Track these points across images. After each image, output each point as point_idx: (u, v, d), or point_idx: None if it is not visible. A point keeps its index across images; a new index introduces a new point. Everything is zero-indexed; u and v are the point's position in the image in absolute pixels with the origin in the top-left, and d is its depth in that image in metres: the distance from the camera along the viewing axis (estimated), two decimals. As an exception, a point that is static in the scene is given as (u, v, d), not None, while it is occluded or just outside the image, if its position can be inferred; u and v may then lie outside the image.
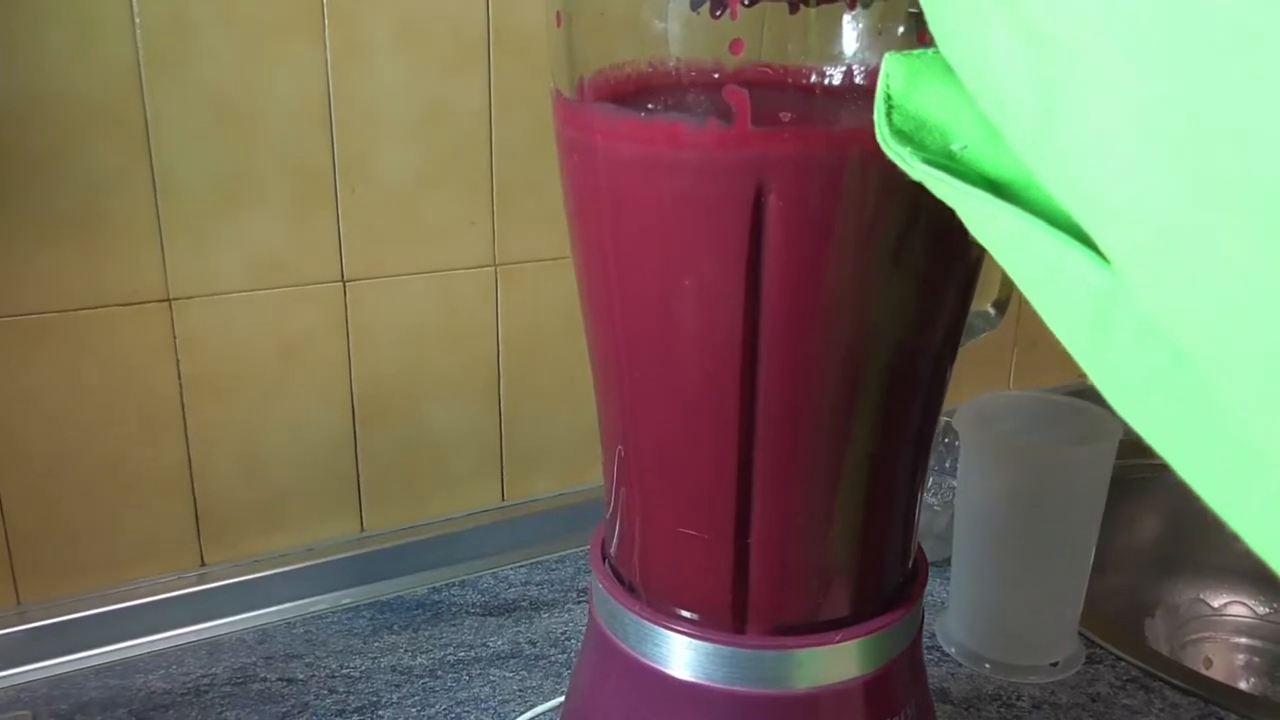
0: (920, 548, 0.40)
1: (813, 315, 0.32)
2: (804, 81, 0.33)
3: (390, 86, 0.68)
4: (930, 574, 0.76)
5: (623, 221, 0.33)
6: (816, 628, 0.37)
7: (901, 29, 0.34)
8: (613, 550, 0.40)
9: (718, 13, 0.32)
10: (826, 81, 0.33)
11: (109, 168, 0.61)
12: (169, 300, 0.65)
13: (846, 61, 0.33)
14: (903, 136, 0.22)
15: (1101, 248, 0.16)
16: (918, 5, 0.36)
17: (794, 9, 0.33)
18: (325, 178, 0.67)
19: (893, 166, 0.32)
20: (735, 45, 0.31)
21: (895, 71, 0.23)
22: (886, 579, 0.38)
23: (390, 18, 0.67)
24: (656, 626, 0.37)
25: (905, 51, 0.23)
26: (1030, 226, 0.18)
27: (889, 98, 0.23)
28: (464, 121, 0.71)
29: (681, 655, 0.37)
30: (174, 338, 0.65)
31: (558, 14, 0.34)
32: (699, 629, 0.37)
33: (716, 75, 0.32)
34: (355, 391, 0.72)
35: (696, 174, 0.31)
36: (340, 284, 0.69)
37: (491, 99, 0.71)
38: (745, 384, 0.33)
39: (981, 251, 0.35)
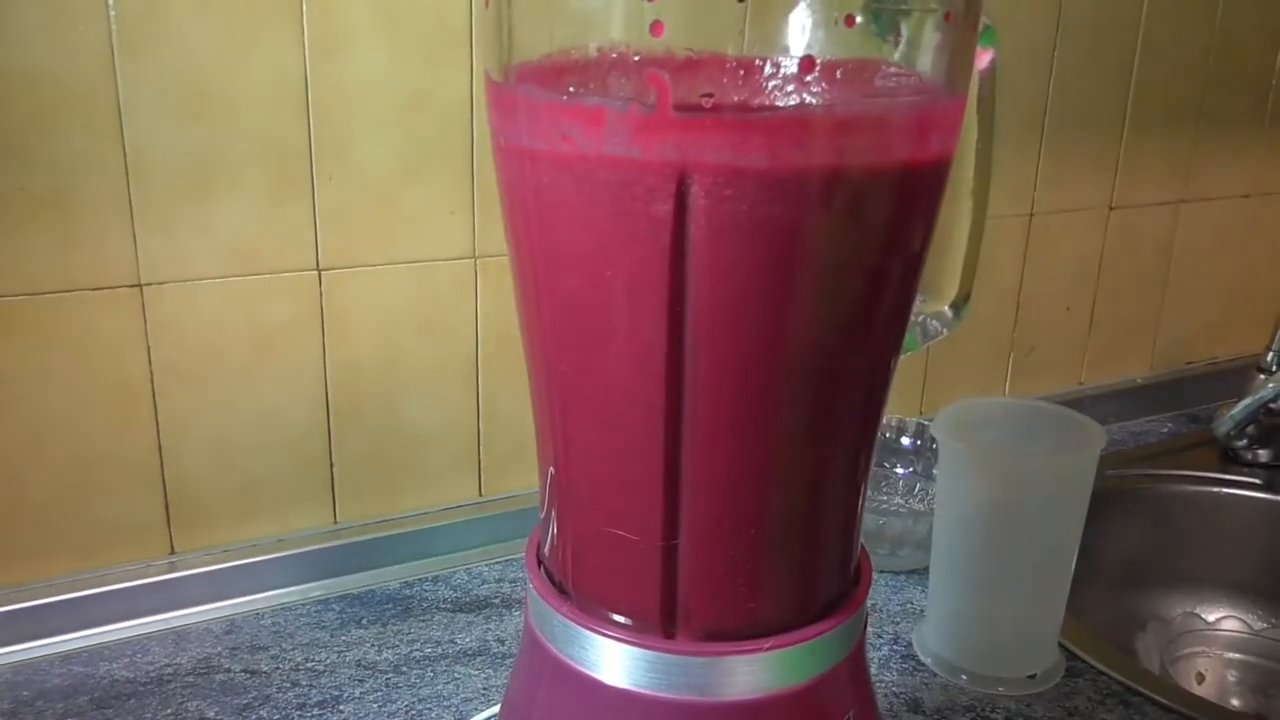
0: (865, 554, 0.39)
1: (739, 313, 0.31)
2: (744, 70, 0.32)
3: (370, 74, 0.67)
4: (910, 582, 0.74)
5: (546, 210, 0.32)
6: (750, 635, 0.35)
7: (860, 18, 0.33)
8: (546, 551, 0.39)
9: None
10: (769, 71, 0.32)
11: (80, 150, 0.61)
12: (140, 285, 0.64)
13: (792, 51, 0.32)
14: None
15: None
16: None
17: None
18: (301, 165, 0.67)
19: (822, 161, 0.30)
20: (655, 27, 0.29)
21: None
22: (824, 586, 0.37)
23: (371, 4, 0.66)
24: (585, 630, 0.36)
25: None
26: None
27: None
28: (445, 111, 0.70)
29: (610, 660, 0.36)
30: (145, 323, 0.65)
31: (487, -6, 0.33)
32: (627, 633, 0.35)
33: (641, 60, 0.30)
34: (330, 382, 0.71)
35: (617, 160, 0.30)
36: (315, 273, 0.69)
37: (473, 89, 0.70)
38: (671, 382, 0.32)
39: (924, 248, 0.34)
